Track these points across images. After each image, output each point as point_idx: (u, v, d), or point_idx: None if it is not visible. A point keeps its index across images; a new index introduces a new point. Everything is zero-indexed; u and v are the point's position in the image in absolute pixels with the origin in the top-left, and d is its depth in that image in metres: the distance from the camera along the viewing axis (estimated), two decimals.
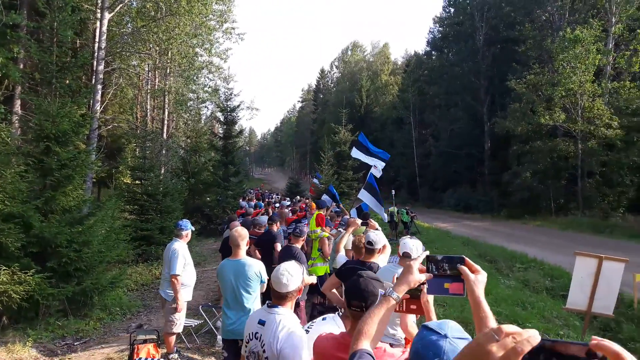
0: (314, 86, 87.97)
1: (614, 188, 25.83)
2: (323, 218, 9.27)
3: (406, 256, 4.05)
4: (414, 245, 4.10)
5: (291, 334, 2.57)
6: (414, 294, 2.02)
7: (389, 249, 4.75)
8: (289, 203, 16.51)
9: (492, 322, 1.46)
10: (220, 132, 23.75)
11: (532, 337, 0.84)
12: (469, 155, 39.62)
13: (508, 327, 0.88)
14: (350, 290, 2.19)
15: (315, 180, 28.73)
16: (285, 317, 2.67)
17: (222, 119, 23.36)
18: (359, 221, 6.35)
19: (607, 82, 27.82)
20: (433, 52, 50.04)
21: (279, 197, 26.58)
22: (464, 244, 18.17)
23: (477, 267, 1.62)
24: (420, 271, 1.71)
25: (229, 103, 23.05)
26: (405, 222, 20.82)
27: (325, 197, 16.26)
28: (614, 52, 28.20)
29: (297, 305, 5.43)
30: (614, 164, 25.86)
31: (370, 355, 1.60)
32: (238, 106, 23.50)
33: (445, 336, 1.38)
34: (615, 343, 0.77)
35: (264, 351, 2.63)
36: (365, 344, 1.63)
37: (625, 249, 15.23)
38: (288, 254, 5.69)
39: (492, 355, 0.85)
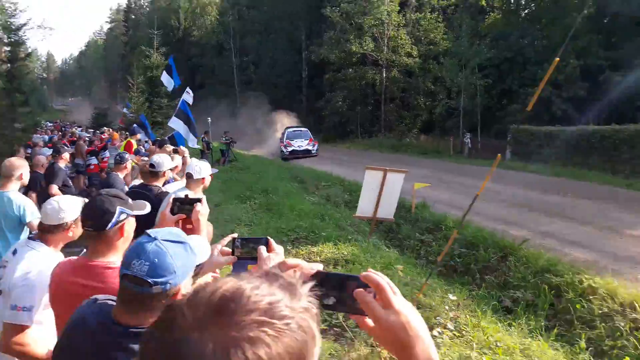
0: (125, 5, 78.72)
1: (411, 112, 29.64)
2: (131, 145, 8.81)
3: (189, 177, 3.95)
4: (197, 166, 3.99)
5: (31, 271, 2.23)
6: (189, 214, 1.96)
7: None
8: (88, 135, 14.98)
9: None
10: (4, 54, 20.05)
11: (310, 269, 0.92)
12: (289, 82, 40.50)
13: (292, 261, 0.96)
14: (85, 209, 2.00)
15: (124, 110, 26.49)
16: (39, 254, 2.33)
17: (5, 40, 19.71)
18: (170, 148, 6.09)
19: (411, 13, 30.68)
20: None
21: (81, 129, 23.95)
22: (278, 167, 18.94)
23: (276, 246, 1.60)
24: (224, 253, 1.65)
25: (12, 20, 20.05)
26: (223, 150, 20.61)
27: (135, 126, 15.25)
28: None
29: None
30: (412, 89, 29.44)
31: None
32: (25, 24, 20.33)
33: (155, 239, 1.33)
34: (383, 275, 0.79)
35: (2, 284, 2.37)
36: None
37: (416, 163, 17.73)
38: (107, 183, 5.46)
39: None
